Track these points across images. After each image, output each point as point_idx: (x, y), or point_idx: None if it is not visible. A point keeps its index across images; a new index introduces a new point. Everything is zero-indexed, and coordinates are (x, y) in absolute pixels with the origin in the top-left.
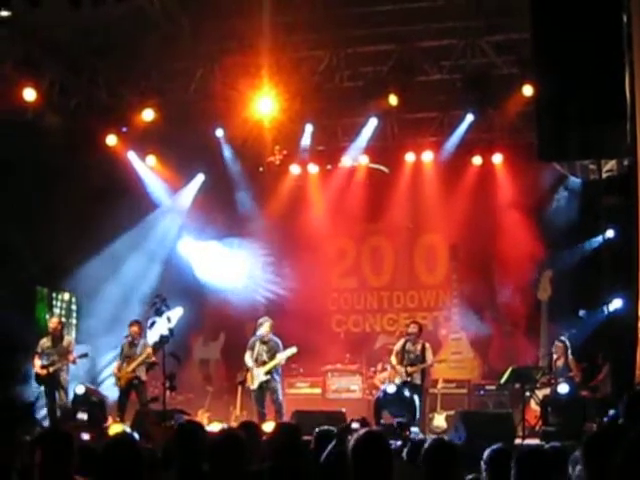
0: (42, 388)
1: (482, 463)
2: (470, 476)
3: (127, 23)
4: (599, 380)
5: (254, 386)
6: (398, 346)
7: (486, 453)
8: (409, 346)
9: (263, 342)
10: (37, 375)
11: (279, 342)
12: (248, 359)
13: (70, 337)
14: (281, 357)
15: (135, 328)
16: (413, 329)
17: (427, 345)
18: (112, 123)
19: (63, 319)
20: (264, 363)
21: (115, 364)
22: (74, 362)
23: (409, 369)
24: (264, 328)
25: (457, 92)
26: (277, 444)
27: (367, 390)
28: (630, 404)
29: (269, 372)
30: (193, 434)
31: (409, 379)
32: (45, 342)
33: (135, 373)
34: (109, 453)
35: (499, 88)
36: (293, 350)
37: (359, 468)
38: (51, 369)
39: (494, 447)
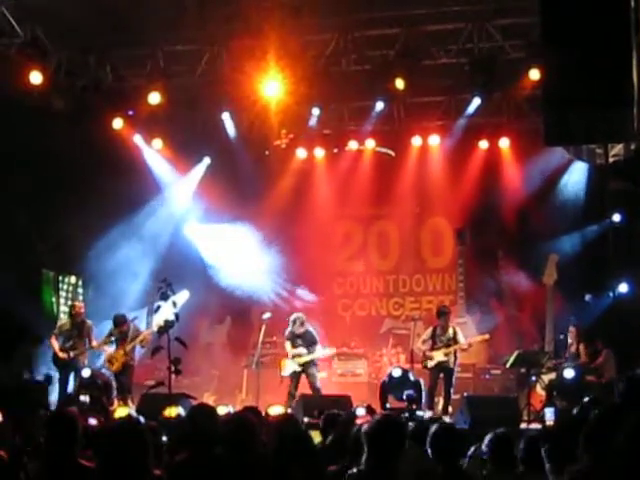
0: (57, 371)
1: (484, 446)
2: (472, 448)
3: (133, 6)
4: (597, 363)
5: (285, 373)
6: (427, 335)
7: (487, 437)
8: (440, 331)
9: (298, 336)
10: (56, 357)
11: (314, 332)
12: (288, 347)
13: (90, 322)
14: (317, 354)
15: (123, 327)
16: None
17: (457, 328)
18: (118, 106)
19: (69, 302)
20: (299, 355)
21: (112, 348)
22: (98, 347)
23: (444, 350)
24: (300, 324)
25: (464, 76)
26: (275, 435)
27: (373, 374)
28: (628, 388)
29: (303, 364)
30: (206, 418)
31: (445, 359)
32: (65, 325)
33: (128, 356)
34: (114, 437)
35: (506, 72)
36: (333, 350)
37: (373, 450)
38: (72, 354)
39: (496, 431)
